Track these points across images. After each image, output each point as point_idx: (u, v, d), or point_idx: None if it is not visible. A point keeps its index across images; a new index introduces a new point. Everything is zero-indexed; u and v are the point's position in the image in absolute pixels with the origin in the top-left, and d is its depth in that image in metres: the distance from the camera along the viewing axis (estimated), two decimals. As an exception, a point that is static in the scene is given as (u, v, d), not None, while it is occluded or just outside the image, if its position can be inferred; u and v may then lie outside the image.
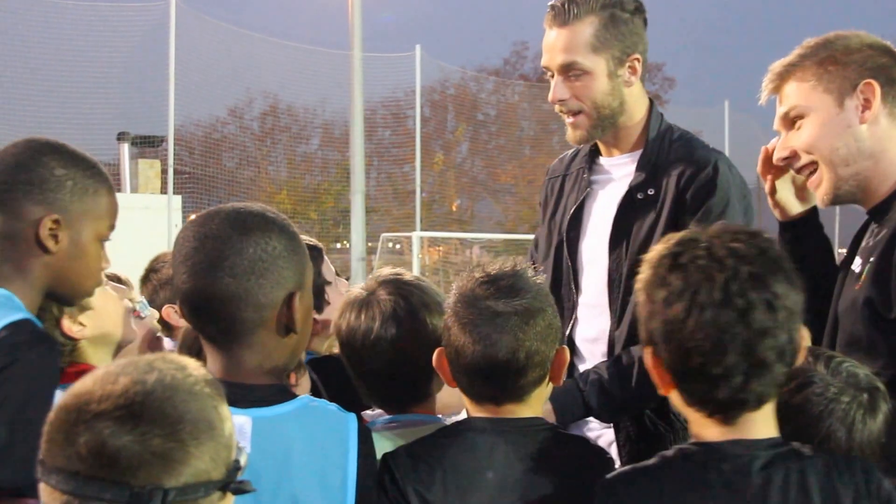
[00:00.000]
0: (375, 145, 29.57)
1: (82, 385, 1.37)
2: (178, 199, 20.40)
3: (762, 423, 1.80)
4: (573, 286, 2.95)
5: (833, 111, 2.26)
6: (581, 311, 2.94)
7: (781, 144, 2.38)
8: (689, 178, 2.79)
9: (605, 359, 2.84)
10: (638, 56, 2.86)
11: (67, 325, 2.46)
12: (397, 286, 2.35)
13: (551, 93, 2.89)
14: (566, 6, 2.80)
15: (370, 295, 2.34)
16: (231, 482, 1.40)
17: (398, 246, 28.87)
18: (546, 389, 2.14)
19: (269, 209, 1.99)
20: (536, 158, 33.16)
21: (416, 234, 26.56)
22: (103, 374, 1.38)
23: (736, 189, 2.82)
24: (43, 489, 1.35)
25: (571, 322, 2.93)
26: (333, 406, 1.96)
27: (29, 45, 22.05)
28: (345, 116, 23.50)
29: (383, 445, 2.13)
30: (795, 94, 2.32)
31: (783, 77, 2.34)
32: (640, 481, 1.83)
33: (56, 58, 22.19)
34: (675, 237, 1.85)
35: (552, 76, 2.88)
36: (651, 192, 2.83)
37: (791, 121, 2.35)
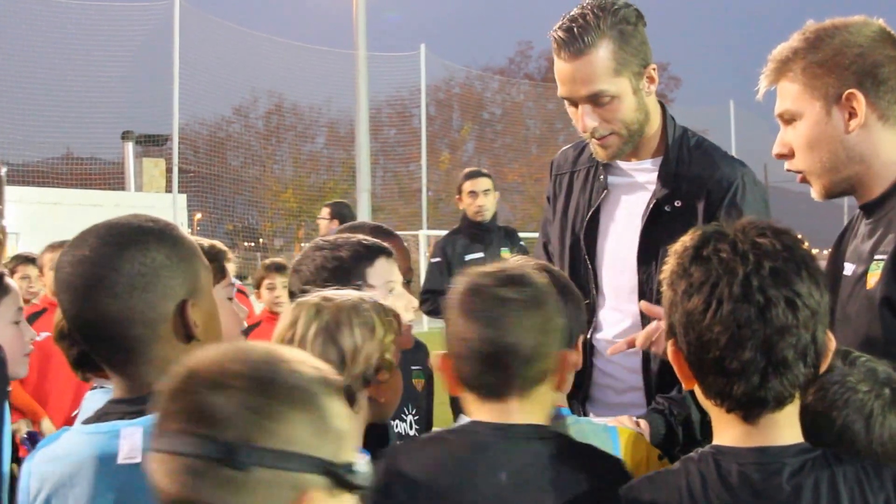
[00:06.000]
0: (381, 144, 29.63)
1: (192, 357, 1.40)
2: (182, 198, 20.45)
3: (786, 427, 1.75)
4: (594, 289, 2.91)
5: (822, 119, 2.24)
6: (605, 314, 2.90)
7: (778, 140, 2.37)
8: (719, 195, 2.78)
9: (637, 366, 2.82)
10: (654, 65, 2.81)
11: None
12: (538, 265, 2.33)
13: (580, 123, 2.80)
14: (576, 34, 2.69)
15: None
16: (340, 473, 1.35)
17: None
18: (550, 395, 2.09)
19: (149, 217, 1.90)
20: (543, 157, 33.18)
21: (423, 233, 26.56)
22: (208, 348, 1.42)
23: (762, 202, 2.84)
24: (149, 458, 1.36)
25: (592, 324, 2.89)
26: None
27: (34, 45, 22.10)
28: (350, 115, 23.54)
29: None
30: (787, 95, 2.30)
31: (778, 74, 2.31)
32: (664, 486, 1.79)
33: (61, 57, 22.25)
34: (700, 229, 1.82)
35: (573, 105, 2.81)
36: (678, 203, 2.80)
37: (786, 119, 2.35)
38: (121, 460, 1.76)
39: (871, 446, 1.86)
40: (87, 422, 1.87)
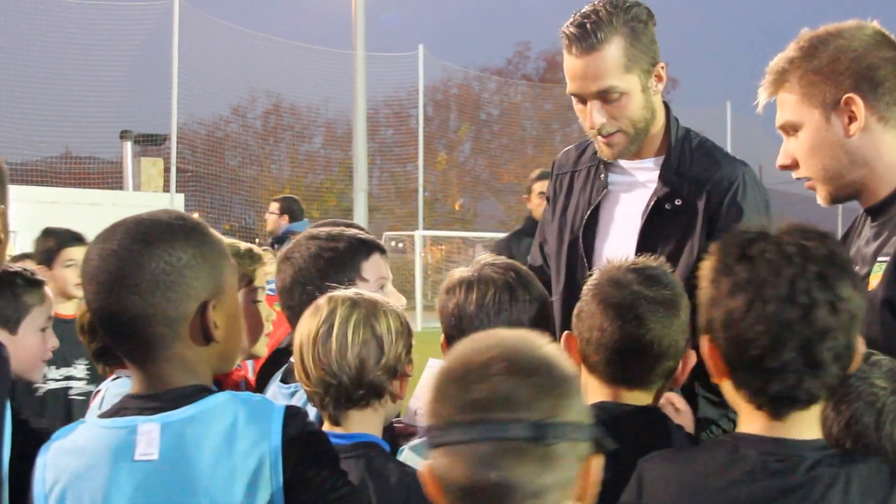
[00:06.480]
0: (378, 144, 29.58)
1: (455, 352, 1.49)
2: (180, 198, 20.40)
3: (808, 425, 1.79)
4: None
5: (822, 127, 2.26)
6: None
7: (782, 152, 2.38)
8: (720, 194, 2.80)
9: None
10: (663, 63, 2.84)
11: None
12: (505, 264, 2.39)
13: (588, 119, 2.81)
14: (589, 30, 2.71)
15: (479, 273, 2.35)
16: (598, 436, 1.48)
17: (401, 244, 28.89)
18: (665, 386, 2.20)
19: (179, 214, 1.92)
20: (539, 158, 33.08)
21: (419, 233, 26.57)
22: (468, 340, 1.51)
23: (762, 202, 2.86)
24: (438, 453, 1.43)
25: None
26: (258, 397, 1.90)
27: (33, 44, 22.07)
28: (347, 115, 23.54)
29: None
30: (786, 106, 2.31)
31: (775, 85, 2.33)
32: (685, 464, 1.85)
33: (60, 56, 22.21)
34: (744, 228, 1.86)
35: (582, 102, 2.82)
36: (678, 202, 2.82)
37: (787, 130, 2.36)
38: (137, 457, 1.78)
39: (880, 442, 1.89)
40: (104, 415, 1.89)
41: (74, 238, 4.82)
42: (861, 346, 1.80)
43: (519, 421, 1.39)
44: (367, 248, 2.64)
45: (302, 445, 1.81)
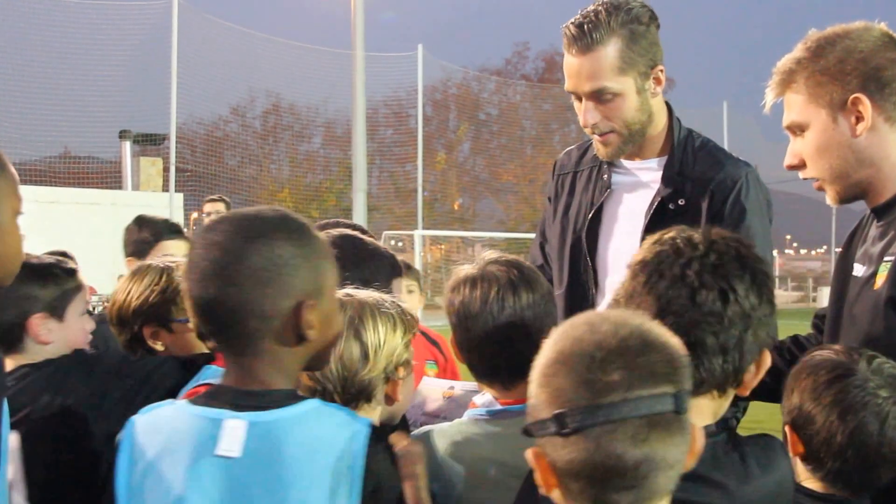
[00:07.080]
0: (377, 144, 29.60)
1: (572, 338, 1.47)
2: (179, 197, 20.40)
3: (697, 415, 1.81)
4: (593, 286, 2.96)
5: (829, 127, 2.27)
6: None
7: (789, 152, 2.39)
8: (723, 194, 2.83)
9: None
10: (661, 66, 2.84)
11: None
12: (508, 261, 2.38)
13: (582, 117, 2.84)
14: (586, 31, 2.74)
15: (482, 270, 2.35)
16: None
17: (400, 244, 28.88)
18: None
19: (285, 213, 1.93)
20: (538, 158, 33.24)
21: (418, 233, 26.60)
22: (582, 324, 1.50)
23: (765, 202, 2.88)
24: (566, 441, 1.42)
25: None
26: (345, 411, 1.90)
27: (32, 43, 22.09)
28: (347, 115, 23.53)
29: (481, 437, 2.20)
30: (793, 107, 2.33)
31: (782, 85, 2.35)
32: None
33: (59, 56, 22.22)
34: (673, 228, 1.90)
35: (578, 99, 2.85)
36: (681, 202, 2.84)
37: (794, 130, 2.37)
38: (219, 451, 1.78)
39: (880, 448, 1.97)
40: (195, 401, 1.89)
41: (172, 230, 4.48)
42: (765, 361, 1.80)
43: (664, 395, 1.41)
44: (399, 269, 2.73)
45: (383, 465, 1.83)
